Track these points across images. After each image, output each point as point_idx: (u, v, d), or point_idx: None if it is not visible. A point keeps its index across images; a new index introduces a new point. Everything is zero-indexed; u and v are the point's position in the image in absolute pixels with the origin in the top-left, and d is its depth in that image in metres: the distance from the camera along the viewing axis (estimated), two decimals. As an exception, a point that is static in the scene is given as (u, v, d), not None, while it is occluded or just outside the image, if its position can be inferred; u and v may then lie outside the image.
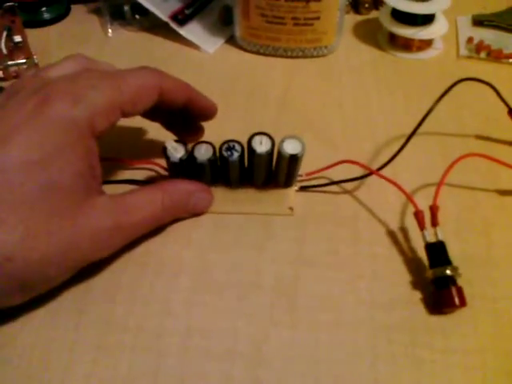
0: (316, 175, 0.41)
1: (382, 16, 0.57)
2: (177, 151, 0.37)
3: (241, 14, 0.54)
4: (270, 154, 0.37)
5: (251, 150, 0.37)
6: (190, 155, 0.38)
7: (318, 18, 0.53)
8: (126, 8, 0.58)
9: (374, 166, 0.41)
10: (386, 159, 0.41)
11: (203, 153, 0.38)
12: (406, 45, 0.56)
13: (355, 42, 0.58)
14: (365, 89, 0.51)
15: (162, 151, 0.37)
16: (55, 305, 0.34)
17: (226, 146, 0.38)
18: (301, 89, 0.51)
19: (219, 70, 0.53)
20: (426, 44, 0.56)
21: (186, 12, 0.58)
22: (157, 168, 0.42)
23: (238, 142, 0.38)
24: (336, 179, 0.41)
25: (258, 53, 0.56)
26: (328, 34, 0.54)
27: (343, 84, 0.52)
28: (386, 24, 0.56)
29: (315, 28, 0.53)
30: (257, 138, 0.37)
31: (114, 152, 0.43)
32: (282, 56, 0.55)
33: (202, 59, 0.55)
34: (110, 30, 0.58)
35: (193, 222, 0.39)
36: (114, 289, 0.35)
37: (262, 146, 0.37)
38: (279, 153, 0.37)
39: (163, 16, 0.56)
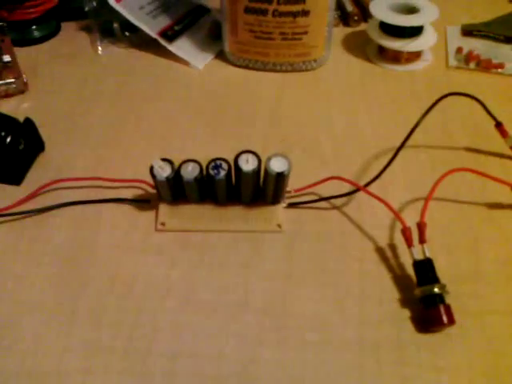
0: (304, 191, 0.41)
1: (371, 29, 0.57)
2: (163, 170, 0.37)
3: (229, 30, 0.54)
4: (256, 172, 0.37)
5: (238, 169, 0.37)
6: (177, 174, 0.38)
7: (306, 33, 0.53)
8: (116, 25, 0.58)
9: (363, 181, 0.41)
10: (375, 173, 0.41)
11: (190, 171, 0.38)
12: (395, 57, 0.56)
13: (344, 55, 0.58)
14: (354, 102, 0.51)
15: (149, 170, 0.37)
16: (42, 329, 0.34)
17: (212, 164, 0.38)
18: (290, 103, 0.51)
19: (209, 86, 0.53)
20: (415, 56, 0.56)
21: (176, 28, 0.58)
22: (145, 186, 0.42)
23: (225, 160, 0.38)
24: (325, 195, 0.41)
25: (247, 67, 0.56)
26: (317, 47, 0.54)
27: (333, 97, 0.52)
28: (374, 37, 0.56)
29: (304, 42, 0.53)
30: (243, 157, 0.37)
31: (101, 171, 0.43)
32: (271, 70, 0.55)
33: (192, 75, 0.55)
34: (100, 48, 0.58)
35: (180, 241, 0.39)
36: (102, 310, 0.35)
37: (248, 164, 0.37)
38: (266, 171, 0.37)
39: (152, 33, 0.56)
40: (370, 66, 0.56)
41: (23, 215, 0.40)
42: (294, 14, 0.51)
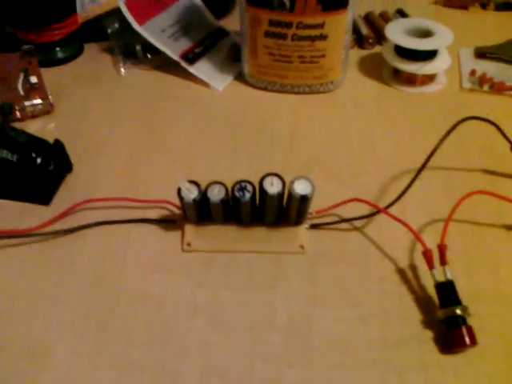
0: (326, 213, 0.42)
1: (386, 52, 0.58)
2: (190, 192, 0.39)
3: (249, 53, 0.56)
4: (280, 194, 0.38)
5: (263, 191, 0.38)
6: (204, 196, 0.39)
7: (323, 56, 0.54)
8: (138, 47, 0.60)
9: (382, 203, 0.42)
10: (393, 195, 0.42)
11: (216, 193, 0.39)
12: (410, 79, 0.58)
13: (360, 77, 0.59)
14: (370, 123, 0.52)
15: (177, 192, 0.39)
16: (73, 348, 0.35)
17: (237, 186, 0.39)
18: (308, 125, 0.52)
19: (228, 107, 0.55)
20: (430, 78, 0.58)
21: (196, 51, 0.59)
22: (170, 206, 0.43)
23: (250, 183, 0.39)
24: (345, 217, 0.42)
25: (265, 89, 0.57)
26: (334, 70, 0.56)
27: (349, 119, 0.53)
28: (389, 60, 0.58)
29: (321, 65, 0.55)
30: (268, 179, 0.38)
31: (126, 191, 0.44)
32: (289, 92, 0.57)
33: (212, 96, 0.56)
34: (122, 69, 0.60)
35: (206, 261, 0.40)
36: (131, 330, 0.36)
37: (273, 186, 0.38)
38: (290, 193, 0.38)
39: (174, 55, 0.58)
40: (385, 87, 0.58)
41: (54, 235, 0.41)
42: (313, 38, 0.53)
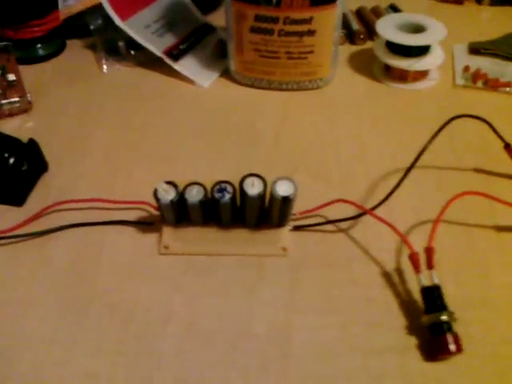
0: (310, 214, 0.40)
1: (377, 47, 0.57)
2: (167, 193, 0.37)
3: (235, 49, 0.54)
4: (261, 195, 0.36)
5: (243, 192, 0.36)
6: (181, 197, 0.37)
7: (311, 52, 0.52)
8: (121, 44, 0.58)
9: (370, 204, 0.40)
10: (381, 195, 0.40)
11: (194, 194, 0.37)
12: (402, 76, 0.56)
13: (350, 73, 0.58)
14: (360, 121, 0.51)
15: (153, 193, 0.37)
16: (41, 357, 0.33)
17: (217, 187, 0.37)
18: (295, 123, 0.51)
19: (214, 105, 0.53)
20: (422, 74, 0.56)
21: (181, 47, 0.58)
22: (148, 208, 0.41)
23: (230, 183, 0.37)
24: (330, 218, 0.40)
25: (252, 86, 0.56)
26: (322, 66, 0.54)
27: (339, 116, 0.51)
28: (380, 56, 0.56)
29: (310, 61, 0.53)
30: (248, 180, 0.36)
31: (104, 192, 0.43)
32: (276, 89, 0.55)
33: (197, 93, 0.55)
34: (104, 66, 0.58)
35: (184, 264, 0.38)
36: (103, 337, 0.34)
37: (253, 188, 0.36)
38: (271, 194, 0.36)
39: (158, 52, 0.56)
40: (376, 84, 0.56)
41: (26, 237, 0.40)
42: (300, 34, 0.51)
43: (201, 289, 0.37)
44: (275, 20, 0.50)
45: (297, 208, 0.39)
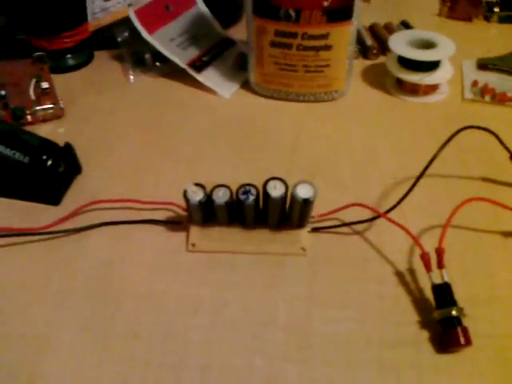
0: (327, 217, 0.43)
1: (389, 62, 0.60)
2: (196, 194, 0.40)
3: (255, 62, 0.57)
4: (283, 198, 0.39)
5: (266, 194, 0.39)
6: (209, 198, 0.40)
7: (328, 66, 0.55)
8: (147, 56, 0.61)
9: (383, 208, 0.43)
10: (393, 201, 0.43)
11: (221, 196, 0.40)
12: (413, 89, 0.59)
13: (364, 86, 0.61)
14: (373, 131, 0.54)
15: (183, 194, 0.40)
16: (78, 344, 0.36)
17: (242, 189, 0.40)
18: (312, 132, 0.54)
19: (234, 114, 0.56)
20: (432, 88, 0.59)
21: (203, 59, 0.61)
22: (175, 208, 0.44)
23: (254, 186, 0.40)
24: (347, 221, 0.43)
25: (271, 97, 0.59)
26: (338, 79, 0.57)
27: (353, 127, 0.54)
28: (392, 70, 0.59)
29: (326, 74, 0.56)
30: (271, 183, 0.39)
31: (134, 193, 0.46)
32: (294, 100, 0.58)
33: (219, 103, 0.58)
34: (131, 76, 0.61)
35: (210, 261, 0.41)
36: (135, 326, 0.37)
37: (276, 190, 0.39)
38: (293, 197, 0.39)
39: (182, 63, 0.59)
40: (389, 97, 0.59)
41: (61, 234, 0.43)
42: (317, 49, 0.54)
43: (225, 283, 0.39)
44: (294, 35, 0.53)
45: (315, 211, 0.42)
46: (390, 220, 0.41)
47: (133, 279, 0.40)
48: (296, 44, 0.54)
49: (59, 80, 0.59)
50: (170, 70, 0.61)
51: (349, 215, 0.43)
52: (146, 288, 0.39)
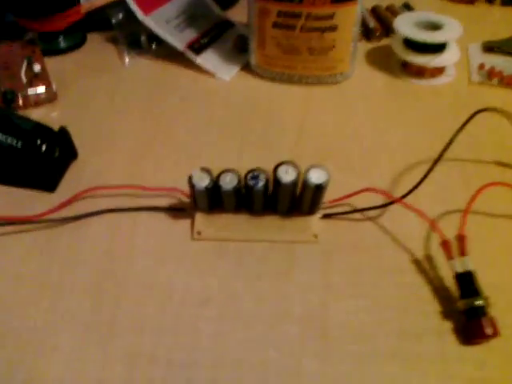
0: (339, 203, 0.41)
1: (395, 44, 0.58)
2: (202, 180, 0.38)
3: (257, 44, 0.55)
4: (295, 183, 0.37)
5: (277, 180, 0.37)
6: (215, 184, 0.38)
7: (332, 47, 0.53)
8: (143, 37, 0.59)
9: (396, 194, 0.41)
10: (405, 185, 0.41)
11: (228, 181, 0.38)
12: (419, 72, 0.57)
13: (368, 69, 0.59)
14: (381, 115, 0.52)
15: (188, 180, 0.38)
16: (81, 337, 0.34)
17: (250, 174, 0.38)
18: (318, 116, 0.52)
19: (236, 97, 0.54)
20: (439, 71, 0.57)
21: (202, 41, 0.59)
22: (179, 194, 0.42)
23: (263, 171, 0.38)
24: (359, 207, 0.41)
25: (273, 80, 0.56)
26: (343, 61, 0.55)
27: (359, 110, 0.52)
28: (398, 52, 0.57)
29: (330, 56, 0.54)
30: (283, 168, 0.37)
31: (132, 179, 0.43)
32: (297, 83, 0.56)
33: (219, 86, 0.56)
34: (126, 59, 0.59)
35: (217, 250, 0.39)
36: (141, 318, 0.35)
37: (287, 175, 0.37)
38: (304, 182, 0.37)
39: (180, 45, 0.57)
40: (394, 79, 0.57)
41: (59, 222, 0.40)
42: (322, 30, 0.52)
43: (235, 273, 0.37)
44: (298, 16, 0.51)
45: (326, 196, 0.40)
46: (406, 206, 0.39)
47: (136, 269, 0.38)
48: (300, 25, 0.52)
49: (51, 63, 0.56)
50: (167, 53, 0.59)
51: (361, 201, 0.41)
52: (151, 278, 0.37)
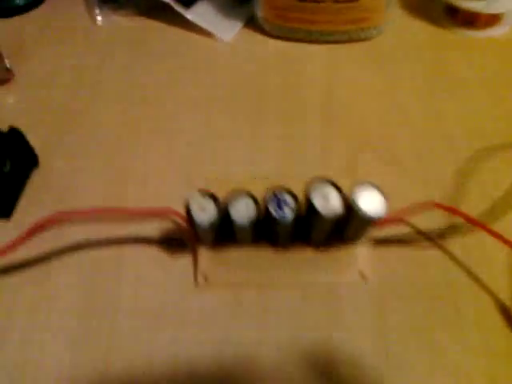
0: (392, 222, 0.30)
1: (441, -17, 0.45)
2: (205, 211, 0.27)
3: (264, -9, 0.42)
4: (339, 215, 0.26)
5: (312, 209, 0.26)
6: (225, 215, 0.27)
7: (365, -8, 0.41)
8: (117, -13, 0.46)
9: (465, 205, 0.30)
10: (475, 190, 0.30)
11: (243, 210, 0.27)
12: (470, 19, 0.44)
13: (405, 18, 0.46)
14: (428, 83, 0.40)
15: (185, 209, 0.27)
16: None
17: (273, 198, 0.27)
18: (347, 86, 0.40)
19: (240, 66, 0.42)
20: (495, 18, 0.44)
21: (193, -11, 0.46)
22: (174, 217, 0.31)
23: (290, 193, 0.27)
24: (419, 226, 0.30)
25: (286, 38, 0.44)
26: (377, 11, 0.42)
27: (399, 75, 0.41)
28: (444, -8, 0.44)
29: (361, 4, 0.41)
30: (318, 191, 0.26)
31: (115, 192, 0.33)
32: (318, 42, 0.44)
33: (217, 50, 0.43)
34: (98, 17, 0.46)
35: (232, 301, 0.29)
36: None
37: (327, 202, 0.26)
38: (352, 209, 0.26)
39: (164, -4, 0.44)
40: (440, 31, 0.45)
41: (18, 265, 0.30)
42: (352, -32, 0.39)
43: (258, 335, 0.27)
44: (319, -50, 0.38)
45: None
46: (492, 234, 0.28)
47: (121, 332, 0.28)
48: (322, -37, 0.39)
49: (4, 28, 0.44)
50: (149, 6, 0.46)
51: (420, 217, 0.30)
52: (143, 350, 0.27)
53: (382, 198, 0.26)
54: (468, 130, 0.36)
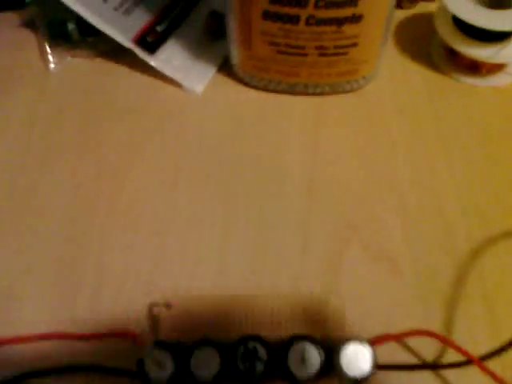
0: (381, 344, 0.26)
1: (439, 21, 0.39)
2: (162, 367, 0.23)
3: (239, 40, 0.37)
4: (317, 375, 0.22)
5: (287, 371, 0.22)
6: (185, 371, 0.23)
7: (355, 45, 0.35)
8: (72, 26, 0.40)
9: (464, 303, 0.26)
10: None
11: (205, 363, 0.23)
12: (473, 66, 0.39)
13: (400, 59, 0.41)
14: (426, 138, 0.36)
15: (137, 366, 0.23)
16: None
17: (242, 350, 0.23)
18: (331, 146, 0.35)
19: (211, 124, 0.37)
20: (499, 67, 0.40)
21: (158, 29, 0.40)
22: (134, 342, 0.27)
23: (261, 341, 0.23)
24: (416, 355, 0.26)
25: (265, 89, 0.39)
26: (368, 62, 0.37)
27: (391, 130, 0.36)
28: (445, 36, 0.39)
29: (351, 57, 0.36)
30: (296, 350, 0.22)
31: (62, 297, 0.28)
32: (301, 94, 0.39)
33: (186, 104, 0.38)
34: (50, 58, 0.40)
35: None
36: None
37: (304, 364, 0.22)
38: (335, 369, 0.22)
39: (125, 39, 0.38)
40: (438, 77, 0.40)
41: None
42: (340, 22, 0.34)
43: None
44: (301, 3, 0.33)
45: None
46: (487, 372, 0.24)
47: None
48: (305, 16, 0.33)
49: None
50: (109, 47, 0.40)
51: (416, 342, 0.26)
52: None
53: (370, 358, 0.22)
54: (464, 207, 0.32)
